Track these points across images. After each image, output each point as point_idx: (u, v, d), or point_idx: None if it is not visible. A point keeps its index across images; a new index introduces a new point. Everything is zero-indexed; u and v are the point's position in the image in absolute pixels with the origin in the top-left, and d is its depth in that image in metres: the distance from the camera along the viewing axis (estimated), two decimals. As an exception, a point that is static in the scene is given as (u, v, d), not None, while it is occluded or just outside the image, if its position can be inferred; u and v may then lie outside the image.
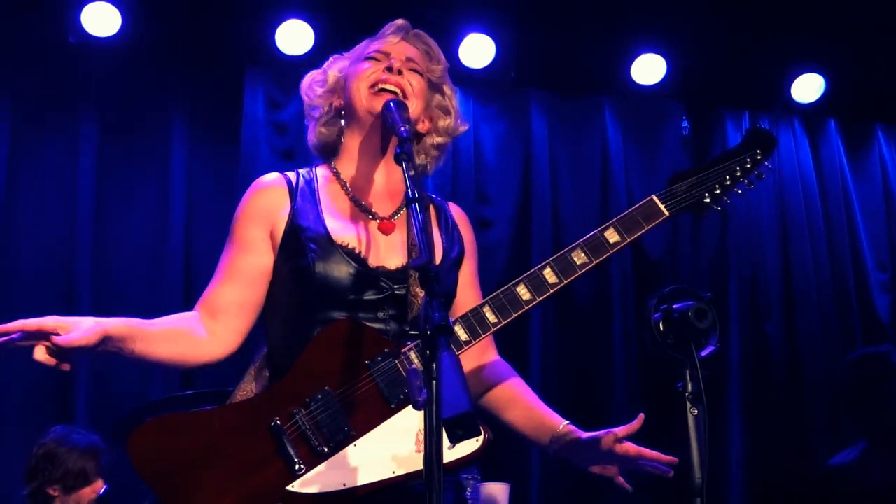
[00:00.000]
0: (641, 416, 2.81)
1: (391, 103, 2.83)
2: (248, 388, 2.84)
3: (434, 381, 2.08)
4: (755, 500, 6.58)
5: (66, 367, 2.54)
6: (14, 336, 2.51)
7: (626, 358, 6.67)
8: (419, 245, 2.37)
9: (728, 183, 2.96)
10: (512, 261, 6.60)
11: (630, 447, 2.83)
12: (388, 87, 2.93)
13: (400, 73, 2.94)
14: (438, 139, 3.11)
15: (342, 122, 3.06)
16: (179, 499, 2.57)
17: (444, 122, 3.10)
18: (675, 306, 2.67)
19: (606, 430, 2.83)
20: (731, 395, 6.75)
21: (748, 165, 2.99)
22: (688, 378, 2.60)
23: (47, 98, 6.31)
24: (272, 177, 3.02)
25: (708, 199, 2.95)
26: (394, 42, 3.04)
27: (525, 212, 6.82)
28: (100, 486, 4.94)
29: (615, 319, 6.68)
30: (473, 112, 6.79)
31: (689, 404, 2.59)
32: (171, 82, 6.43)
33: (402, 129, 2.70)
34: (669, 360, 2.65)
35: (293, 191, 2.94)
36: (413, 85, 2.97)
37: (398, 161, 2.59)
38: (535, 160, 6.91)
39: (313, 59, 6.35)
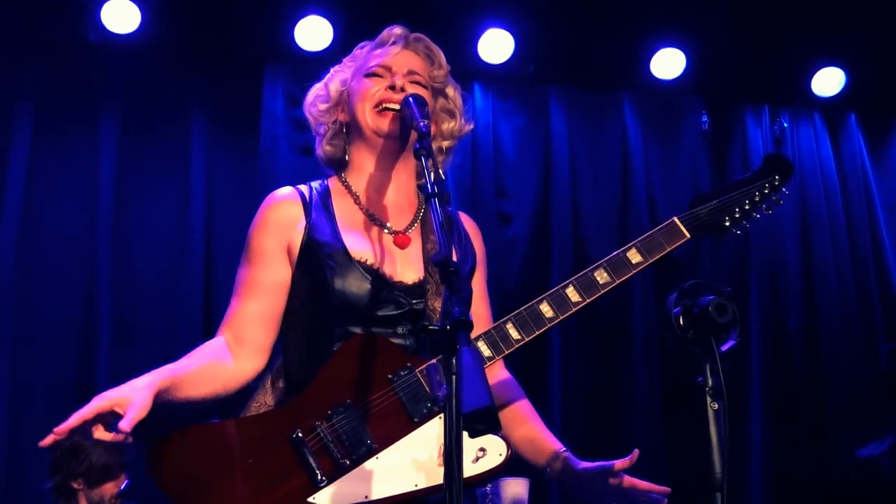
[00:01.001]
0: (636, 452, 2.82)
1: (410, 98, 2.82)
2: (262, 400, 2.85)
3: (454, 377, 2.06)
4: (775, 496, 6.56)
5: (128, 438, 2.50)
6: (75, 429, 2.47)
7: (645, 352, 6.65)
8: (438, 240, 2.36)
9: (747, 207, 2.99)
10: (531, 255, 6.60)
11: (625, 479, 2.83)
12: (391, 105, 2.94)
13: (403, 89, 2.93)
14: (444, 143, 3.12)
15: (347, 136, 3.07)
16: None
17: (448, 126, 3.11)
18: (695, 301, 2.67)
19: (601, 464, 2.83)
20: (751, 390, 6.72)
21: (766, 191, 3.02)
22: (708, 373, 2.61)
23: (68, 95, 6.33)
24: (285, 191, 3.02)
25: (728, 223, 2.98)
26: (395, 53, 3.03)
27: (544, 206, 6.81)
28: (122, 481, 4.96)
29: (635, 314, 6.66)
30: (492, 107, 6.79)
31: (709, 399, 2.59)
32: (190, 79, 6.45)
33: (422, 124, 2.69)
34: (690, 355, 2.65)
35: (307, 205, 2.95)
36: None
37: (417, 156, 2.60)
38: (554, 155, 6.90)
39: (333, 54, 6.38)
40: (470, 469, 2.60)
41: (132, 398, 2.49)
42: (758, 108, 7.29)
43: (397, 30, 3.07)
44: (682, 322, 2.68)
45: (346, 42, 6.24)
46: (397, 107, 2.91)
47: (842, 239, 7.14)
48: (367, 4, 6.15)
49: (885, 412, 5.56)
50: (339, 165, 3.11)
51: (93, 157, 6.30)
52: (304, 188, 3.01)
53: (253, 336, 2.86)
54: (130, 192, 6.34)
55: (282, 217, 2.93)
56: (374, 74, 3.00)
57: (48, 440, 2.45)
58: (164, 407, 2.61)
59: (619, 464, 2.81)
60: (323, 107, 3.13)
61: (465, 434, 2.52)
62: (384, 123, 2.93)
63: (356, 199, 2.97)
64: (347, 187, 3.01)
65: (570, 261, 6.65)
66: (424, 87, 3.01)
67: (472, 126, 3.21)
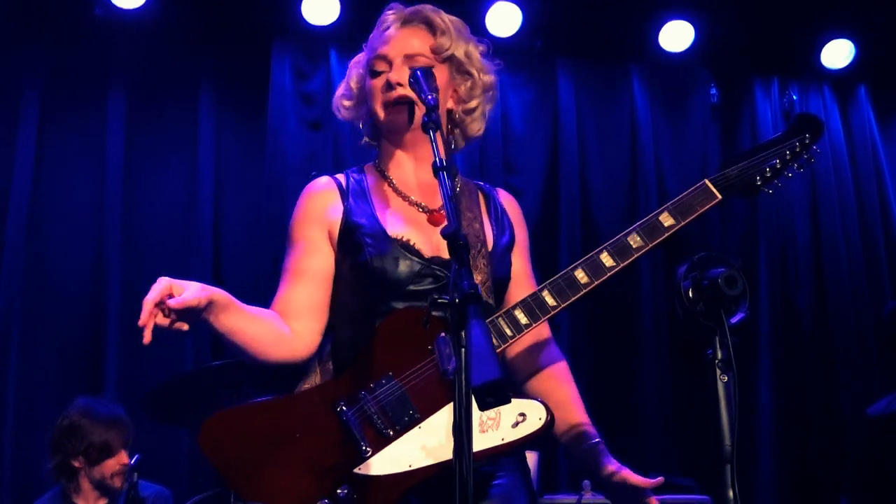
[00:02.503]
0: (661, 479, 2.82)
1: (418, 72, 2.80)
2: (312, 382, 2.87)
3: (463, 350, 2.07)
4: (785, 467, 6.57)
5: (183, 326, 2.55)
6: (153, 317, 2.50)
7: (654, 325, 6.67)
8: (447, 213, 2.35)
9: (779, 167, 2.96)
10: (539, 230, 6.58)
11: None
12: (397, 100, 2.93)
13: (399, 84, 2.91)
14: (468, 105, 3.09)
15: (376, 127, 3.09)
16: (251, 486, 2.63)
17: (465, 86, 3.08)
18: (705, 273, 2.66)
19: (625, 475, 2.82)
20: (760, 363, 6.73)
21: (797, 149, 2.98)
22: (717, 345, 2.60)
23: (75, 72, 6.33)
24: (323, 180, 3.05)
25: (759, 183, 2.96)
26: (392, 37, 3.00)
27: (553, 180, 6.81)
28: (124, 458, 4.97)
29: (643, 288, 6.67)
30: (500, 81, 6.75)
31: (718, 371, 2.58)
32: (198, 54, 6.44)
33: (430, 97, 2.69)
34: (699, 328, 2.65)
35: (344, 192, 2.98)
36: None
37: (425, 130, 2.60)
38: (562, 129, 6.89)
39: (340, 28, 6.39)
40: (510, 434, 2.64)
41: (189, 286, 2.55)
42: (767, 80, 7.27)
43: (391, 14, 3.05)
44: (691, 295, 2.67)
45: (353, 16, 6.27)
46: (404, 93, 2.90)
47: (851, 211, 7.13)
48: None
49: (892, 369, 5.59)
50: (377, 152, 3.14)
51: (101, 133, 6.31)
52: (340, 176, 3.05)
53: (303, 319, 2.88)
54: (139, 167, 6.35)
55: (320, 205, 2.97)
56: (376, 72, 2.99)
57: (147, 337, 2.49)
58: (214, 325, 2.65)
59: (643, 482, 2.81)
60: (348, 104, 3.15)
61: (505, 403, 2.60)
62: (397, 118, 2.95)
63: (390, 183, 3.00)
64: (381, 172, 3.04)
65: (579, 234, 6.66)
66: (427, 66, 2.96)
67: (492, 77, 3.18)
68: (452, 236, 2.27)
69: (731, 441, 2.55)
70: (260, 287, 5.87)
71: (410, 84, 2.83)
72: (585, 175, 6.87)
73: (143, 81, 6.42)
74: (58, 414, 5.25)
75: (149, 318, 2.46)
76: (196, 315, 2.57)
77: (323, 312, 2.92)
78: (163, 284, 2.50)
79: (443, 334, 2.13)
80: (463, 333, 2.09)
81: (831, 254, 7.02)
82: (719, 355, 2.59)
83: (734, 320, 2.62)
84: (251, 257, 6.26)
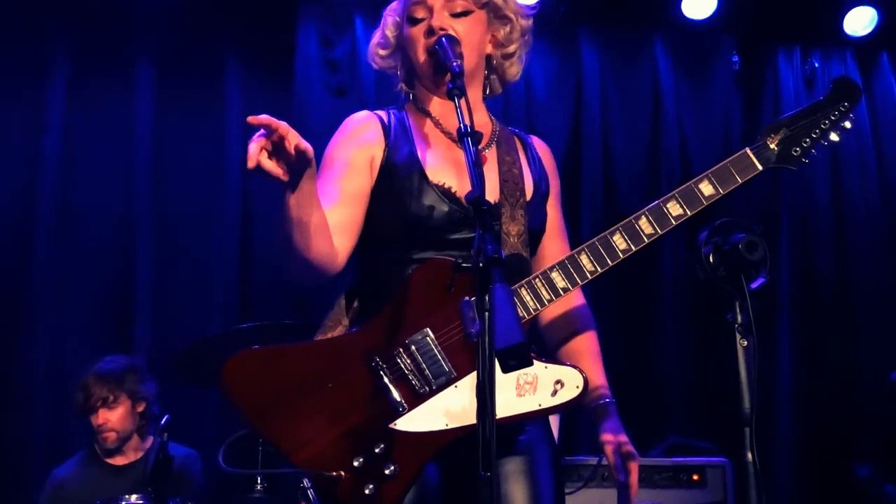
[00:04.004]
0: (634, 482, 2.85)
1: (443, 39, 2.80)
2: (337, 319, 2.83)
3: (487, 313, 2.08)
4: (802, 431, 6.58)
5: (282, 175, 2.42)
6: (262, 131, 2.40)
7: (675, 289, 6.67)
8: (471, 178, 2.35)
9: (816, 135, 2.92)
10: (562, 194, 6.57)
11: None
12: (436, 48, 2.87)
13: (442, 28, 2.86)
14: (507, 49, 3.06)
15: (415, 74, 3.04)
16: (280, 432, 2.56)
17: (504, 30, 3.04)
18: (726, 238, 2.66)
19: (608, 451, 2.89)
20: (780, 327, 6.72)
21: (834, 117, 2.93)
22: (738, 310, 2.60)
23: (103, 40, 6.34)
24: (363, 113, 3.00)
25: (797, 153, 2.90)
26: None
27: (575, 148, 6.79)
28: (100, 418, 5.03)
29: (665, 253, 6.65)
30: (524, 47, 6.75)
31: (738, 336, 2.58)
32: (224, 23, 6.42)
33: (455, 64, 2.67)
34: (720, 293, 2.65)
35: (386, 127, 2.92)
36: (460, 31, 2.89)
37: (450, 96, 2.59)
38: (585, 96, 6.87)
39: (365, -3, 6.38)
40: (549, 401, 2.64)
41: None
42: (789, 47, 7.22)
43: None
44: (712, 260, 2.67)
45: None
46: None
47: (871, 178, 7.10)
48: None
49: None
50: (416, 97, 3.08)
51: (129, 100, 6.32)
52: (381, 113, 2.99)
53: (337, 238, 2.74)
54: (167, 133, 6.36)
55: (365, 133, 2.91)
56: (415, 18, 2.94)
57: (252, 162, 2.38)
58: (292, 202, 2.52)
59: (625, 482, 2.86)
60: (384, 52, 3.09)
61: (544, 367, 2.65)
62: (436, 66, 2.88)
63: (435, 122, 2.96)
64: (424, 111, 2.99)
65: (601, 202, 6.65)
66: (466, 11, 2.94)
67: (529, 20, 3.14)
68: (476, 201, 2.27)
69: (751, 404, 2.56)
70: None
71: (436, 51, 2.82)
72: (608, 142, 6.85)
73: (171, 48, 6.41)
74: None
75: (259, 149, 2.37)
76: (300, 168, 2.46)
77: (355, 233, 2.82)
78: (284, 124, 2.41)
79: (466, 298, 2.14)
80: (486, 297, 2.09)
81: (852, 219, 7.00)
82: (739, 320, 2.59)
83: (754, 285, 2.62)
84: (278, 222, 6.27)
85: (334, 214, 2.74)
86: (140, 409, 5.15)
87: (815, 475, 6.49)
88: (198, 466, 5.11)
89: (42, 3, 6.24)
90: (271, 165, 2.39)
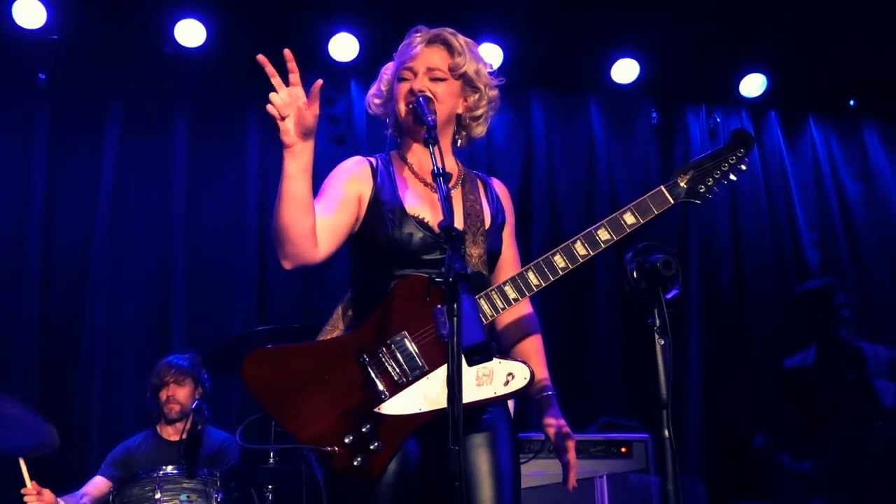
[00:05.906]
0: (571, 458, 2.87)
1: (421, 98, 2.80)
2: (335, 324, 2.85)
3: (455, 318, 2.10)
4: (709, 411, 6.59)
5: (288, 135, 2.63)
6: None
7: (607, 298, 6.67)
8: (443, 209, 2.36)
9: (717, 176, 2.93)
10: (515, 224, 6.56)
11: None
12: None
13: (420, 91, 2.86)
14: (475, 112, 3.04)
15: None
16: (288, 415, 2.58)
17: (472, 98, 3.02)
18: (647, 258, 2.66)
19: (550, 433, 2.90)
20: (690, 329, 6.74)
21: (732, 161, 2.95)
22: (656, 315, 2.61)
23: (149, 97, 6.31)
24: (357, 158, 2.99)
25: (703, 190, 2.91)
26: (419, 54, 2.94)
27: (527, 185, 6.79)
28: (168, 392, 5.00)
29: (599, 268, 6.67)
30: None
31: (657, 336, 2.59)
32: (245, 83, 6.38)
33: (430, 118, 2.69)
34: (642, 301, 2.65)
35: (374, 170, 2.92)
36: (437, 92, 2.90)
37: (426, 144, 2.62)
38: (535, 145, 6.88)
39: (359, 64, 6.39)
40: (502, 390, 2.66)
41: None
42: (697, 106, 7.26)
43: (418, 35, 2.99)
44: (636, 275, 2.67)
45: (370, 54, 6.26)
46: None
47: (763, 211, 7.13)
48: (385, 25, 6.11)
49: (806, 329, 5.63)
50: (399, 142, 3.08)
51: (169, 145, 6.32)
52: (371, 158, 2.99)
53: (322, 235, 2.71)
54: (200, 173, 6.35)
55: (356, 173, 2.90)
56: (403, 79, 2.95)
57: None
58: (294, 169, 2.61)
59: (565, 474, 2.88)
60: (378, 101, 3.09)
61: (499, 362, 2.68)
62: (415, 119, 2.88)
63: (411, 169, 2.95)
64: (403, 158, 2.98)
65: (548, 230, 6.66)
66: (443, 79, 2.94)
67: (496, 91, 3.11)
68: (447, 228, 2.30)
69: (667, 391, 2.56)
70: (297, 276, 5.88)
71: (414, 108, 2.82)
72: (553, 183, 6.85)
73: (203, 104, 6.41)
74: (137, 369, 5.28)
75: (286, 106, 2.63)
76: (307, 132, 2.65)
77: (339, 238, 2.78)
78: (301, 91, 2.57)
79: (439, 306, 2.14)
80: (455, 305, 2.11)
81: (747, 243, 7.03)
82: (658, 323, 2.60)
83: (669, 296, 2.63)
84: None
85: (325, 220, 2.73)
86: (198, 394, 5.09)
87: (720, 447, 6.49)
88: (235, 449, 5.00)
89: (101, 66, 6.23)
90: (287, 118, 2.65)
